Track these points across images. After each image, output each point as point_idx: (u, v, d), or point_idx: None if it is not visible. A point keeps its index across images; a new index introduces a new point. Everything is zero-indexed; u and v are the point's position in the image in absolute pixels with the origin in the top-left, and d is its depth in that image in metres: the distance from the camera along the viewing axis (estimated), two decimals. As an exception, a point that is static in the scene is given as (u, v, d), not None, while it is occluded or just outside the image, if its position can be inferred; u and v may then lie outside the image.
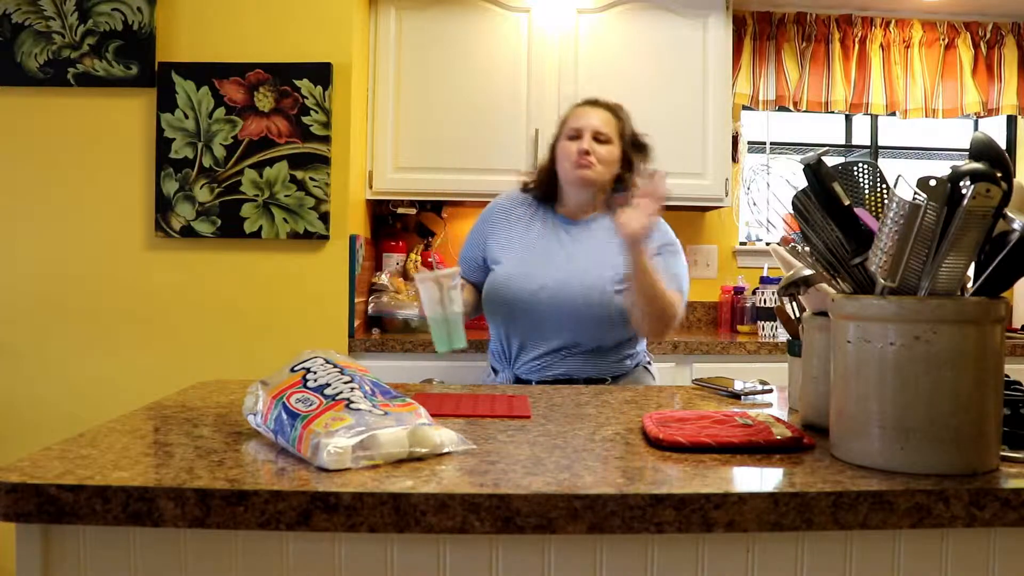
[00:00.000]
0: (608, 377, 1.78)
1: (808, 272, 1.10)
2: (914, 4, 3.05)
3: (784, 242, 1.28)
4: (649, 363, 1.91)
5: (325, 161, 2.40)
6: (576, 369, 1.76)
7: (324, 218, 2.41)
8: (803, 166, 0.93)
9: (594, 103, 1.87)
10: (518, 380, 1.79)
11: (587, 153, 1.77)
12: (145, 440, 0.98)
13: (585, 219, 1.85)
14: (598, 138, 1.80)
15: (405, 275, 2.87)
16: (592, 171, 1.78)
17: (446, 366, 2.36)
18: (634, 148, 1.86)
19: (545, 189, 1.88)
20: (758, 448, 0.94)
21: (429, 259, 2.89)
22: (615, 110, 1.86)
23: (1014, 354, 2.56)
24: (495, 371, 1.86)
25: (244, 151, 2.40)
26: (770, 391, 1.40)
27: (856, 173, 0.97)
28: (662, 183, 1.60)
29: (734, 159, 3.06)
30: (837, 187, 0.92)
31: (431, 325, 1.62)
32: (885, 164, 3.26)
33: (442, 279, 1.59)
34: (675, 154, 2.84)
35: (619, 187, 1.84)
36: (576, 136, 1.80)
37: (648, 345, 2.52)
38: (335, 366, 0.98)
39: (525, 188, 1.92)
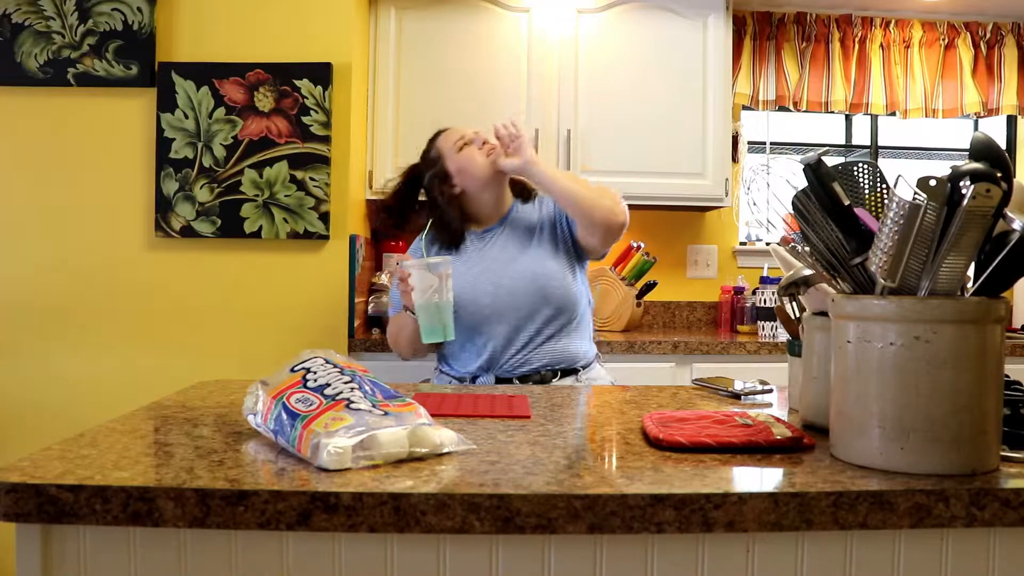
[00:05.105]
0: (579, 367, 1.83)
1: (808, 272, 1.10)
2: (914, 4, 3.05)
3: (784, 242, 1.27)
4: (597, 356, 1.95)
5: (325, 161, 2.40)
6: (551, 358, 1.79)
7: (324, 218, 2.40)
8: (803, 166, 0.93)
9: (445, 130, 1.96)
10: (499, 380, 1.81)
11: (485, 142, 1.85)
12: (145, 440, 0.98)
13: (492, 225, 1.91)
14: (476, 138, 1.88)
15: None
16: (502, 154, 1.83)
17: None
18: None
19: (454, 226, 1.88)
20: (758, 448, 0.94)
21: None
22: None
23: (1014, 354, 2.56)
24: (474, 378, 1.84)
25: (244, 151, 2.40)
26: (770, 391, 1.40)
27: (856, 173, 0.97)
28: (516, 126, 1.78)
29: (734, 159, 3.07)
30: (837, 187, 0.92)
31: (422, 314, 1.59)
32: (885, 164, 3.26)
33: (437, 266, 1.57)
34: (675, 154, 2.85)
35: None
36: (464, 144, 1.86)
37: (659, 348, 2.51)
38: (335, 366, 0.98)
39: (442, 241, 1.92)
